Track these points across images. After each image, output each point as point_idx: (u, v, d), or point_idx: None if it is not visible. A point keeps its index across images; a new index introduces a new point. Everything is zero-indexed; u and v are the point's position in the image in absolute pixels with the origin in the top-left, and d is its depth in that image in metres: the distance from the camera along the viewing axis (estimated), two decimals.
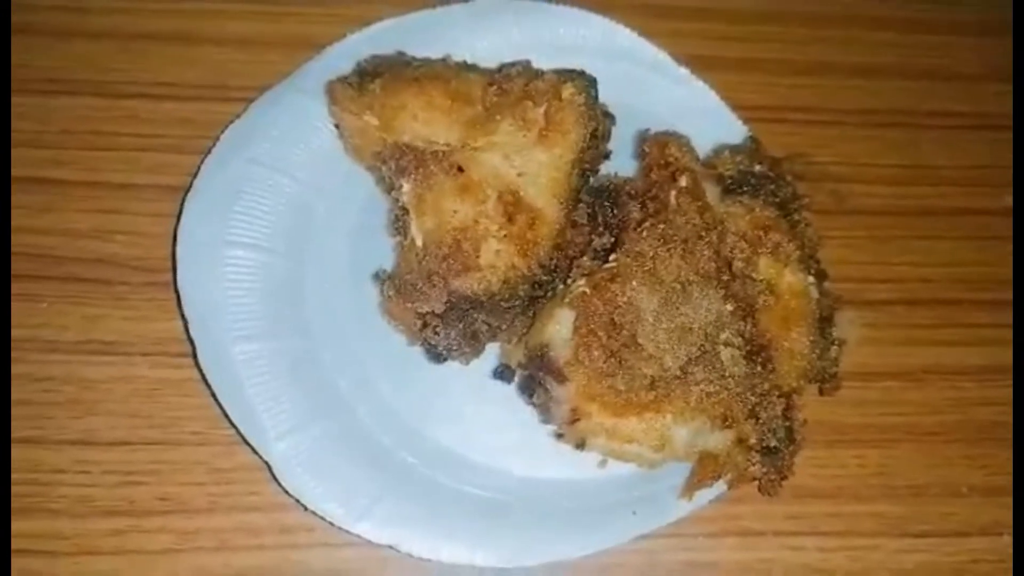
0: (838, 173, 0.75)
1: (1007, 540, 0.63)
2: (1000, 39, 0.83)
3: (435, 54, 0.65)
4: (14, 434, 0.58)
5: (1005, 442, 0.66)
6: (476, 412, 0.61)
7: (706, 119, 0.69)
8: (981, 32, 0.84)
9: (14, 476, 0.56)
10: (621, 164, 0.65)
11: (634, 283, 0.54)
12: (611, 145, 0.64)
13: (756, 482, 0.57)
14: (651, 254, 0.55)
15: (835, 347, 0.60)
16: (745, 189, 0.60)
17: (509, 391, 0.60)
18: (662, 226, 0.55)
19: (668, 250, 0.55)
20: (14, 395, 0.59)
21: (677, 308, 0.54)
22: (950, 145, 0.79)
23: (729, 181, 0.60)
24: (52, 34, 0.71)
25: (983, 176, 0.78)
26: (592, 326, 0.53)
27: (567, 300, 0.54)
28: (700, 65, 0.73)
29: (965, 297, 0.72)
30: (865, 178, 0.76)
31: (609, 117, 0.63)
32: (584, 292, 0.54)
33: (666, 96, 0.70)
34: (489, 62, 0.64)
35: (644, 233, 0.55)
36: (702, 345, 0.54)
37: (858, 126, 0.78)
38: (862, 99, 0.79)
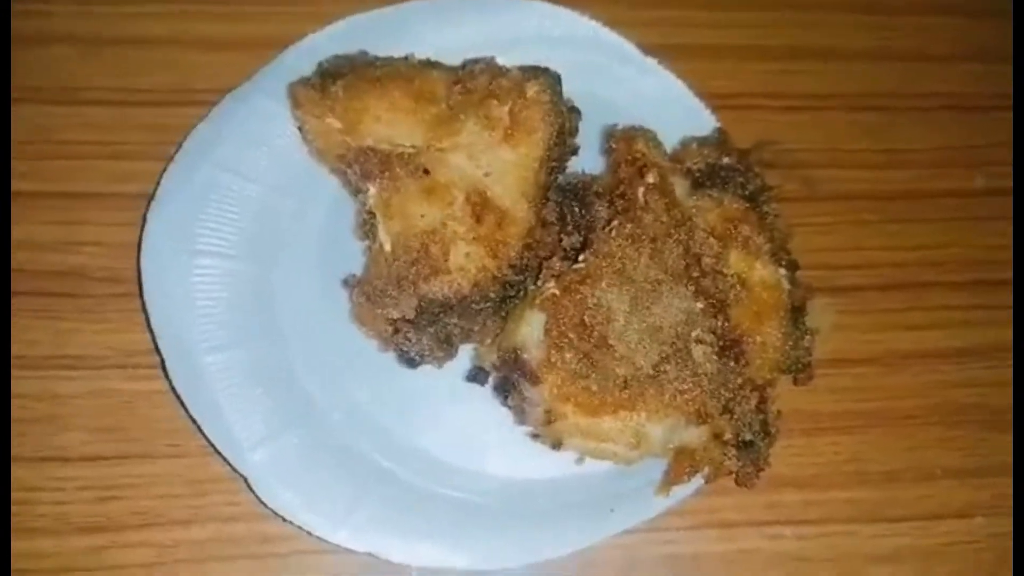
0: (810, 159, 0.75)
1: (980, 522, 0.63)
2: (970, 19, 0.83)
3: (399, 51, 0.63)
4: None
5: (979, 424, 0.67)
6: (451, 414, 0.61)
7: (674, 109, 0.68)
8: (951, 12, 0.83)
9: None
10: (589, 159, 0.64)
11: (603, 284, 0.54)
12: (578, 139, 0.63)
13: (733, 475, 0.57)
14: (620, 254, 0.54)
15: (808, 337, 0.60)
16: (714, 182, 0.60)
17: (484, 392, 0.60)
18: (630, 225, 0.55)
19: (637, 249, 0.54)
20: None
21: (647, 308, 0.54)
22: (923, 127, 0.78)
23: (697, 175, 0.60)
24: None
25: (955, 157, 0.77)
26: (563, 328, 0.53)
27: (537, 302, 0.54)
28: (669, 53, 0.72)
29: (938, 280, 0.72)
30: (838, 163, 0.76)
31: (576, 112, 0.62)
32: (554, 294, 0.54)
33: (633, 86, 0.69)
34: (454, 58, 0.63)
35: (612, 232, 0.55)
36: (674, 343, 0.54)
37: (830, 110, 0.78)
38: (833, 83, 0.79)
